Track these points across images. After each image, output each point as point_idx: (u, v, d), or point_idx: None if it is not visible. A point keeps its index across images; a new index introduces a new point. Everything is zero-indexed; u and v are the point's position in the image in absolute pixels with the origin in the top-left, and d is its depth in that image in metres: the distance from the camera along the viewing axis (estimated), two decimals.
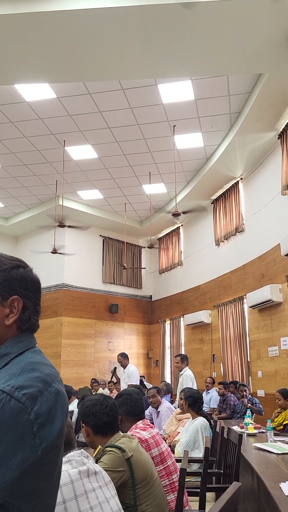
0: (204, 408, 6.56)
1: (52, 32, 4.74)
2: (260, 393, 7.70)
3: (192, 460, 3.52)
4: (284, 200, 7.23)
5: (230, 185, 9.28)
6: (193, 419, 3.99)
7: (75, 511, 1.42)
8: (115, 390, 8.80)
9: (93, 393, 7.81)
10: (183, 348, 11.00)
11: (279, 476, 2.38)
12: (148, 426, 2.56)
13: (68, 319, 10.86)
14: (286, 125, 7.02)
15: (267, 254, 7.82)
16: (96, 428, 2.08)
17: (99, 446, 2.01)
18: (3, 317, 1.01)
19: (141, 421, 2.57)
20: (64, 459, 1.53)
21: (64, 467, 1.49)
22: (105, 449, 1.98)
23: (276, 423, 5.12)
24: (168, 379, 11.25)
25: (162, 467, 2.46)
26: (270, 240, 7.61)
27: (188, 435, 3.78)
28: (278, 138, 7.35)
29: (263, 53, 5.09)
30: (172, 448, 3.92)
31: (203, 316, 9.93)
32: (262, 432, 4.29)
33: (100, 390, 9.21)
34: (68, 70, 5.41)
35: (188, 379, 5.96)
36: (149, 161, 8.59)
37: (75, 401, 5.60)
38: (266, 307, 7.68)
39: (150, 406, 5.53)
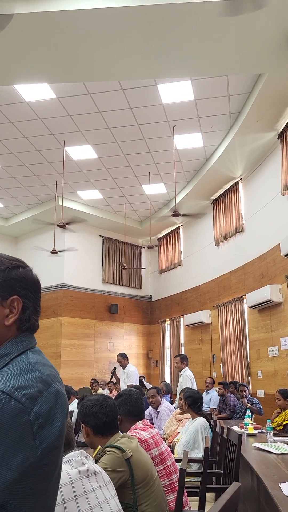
0: (204, 408, 6.58)
1: (52, 32, 4.74)
2: (260, 393, 7.70)
3: (192, 460, 3.52)
4: (284, 200, 7.24)
5: (230, 185, 9.29)
6: (192, 419, 3.99)
7: (74, 511, 1.42)
8: (115, 390, 8.80)
9: (93, 393, 7.81)
10: (183, 348, 11.00)
11: (279, 476, 2.38)
12: (147, 427, 2.56)
13: (67, 319, 10.86)
14: (286, 125, 7.02)
15: (267, 254, 7.82)
16: (96, 428, 2.08)
17: (99, 447, 2.01)
18: (2, 318, 1.01)
19: (140, 421, 2.57)
20: (64, 459, 1.53)
21: (64, 467, 1.49)
22: (105, 449, 1.98)
23: (276, 423, 5.12)
24: (168, 379, 11.25)
25: (161, 467, 2.46)
26: (270, 240, 7.61)
27: (188, 435, 3.78)
28: (278, 138, 7.35)
29: (263, 53, 5.09)
30: (171, 448, 3.92)
31: (203, 316, 9.93)
32: (262, 432, 4.29)
33: (100, 390, 9.20)
34: (68, 70, 5.41)
35: (187, 379, 5.96)
36: (149, 161, 8.59)
37: (75, 401, 5.59)
38: (266, 307, 7.68)
39: (150, 406, 5.53)
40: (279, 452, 3.08)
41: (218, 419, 5.59)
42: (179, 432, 4.47)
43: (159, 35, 4.80)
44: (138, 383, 7.30)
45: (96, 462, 1.89)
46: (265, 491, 2.23)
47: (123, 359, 7.38)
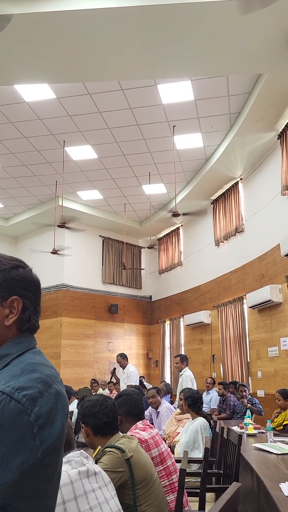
0: (204, 409, 6.58)
1: (52, 32, 4.74)
2: (260, 393, 7.70)
3: (192, 461, 3.52)
4: (283, 200, 7.24)
5: (230, 185, 9.29)
6: (192, 419, 3.99)
7: (74, 511, 1.42)
8: (115, 390, 8.80)
9: (93, 394, 7.82)
10: (182, 348, 11.00)
11: (279, 476, 2.38)
12: (147, 427, 2.55)
13: (67, 319, 10.86)
14: (285, 126, 7.02)
15: (266, 254, 7.82)
16: (96, 428, 2.08)
17: (99, 447, 2.01)
18: (2, 318, 1.01)
19: (140, 421, 2.57)
20: (64, 459, 1.53)
21: (64, 467, 1.49)
22: (105, 449, 1.98)
23: (276, 423, 5.12)
24: (168, 379, 11.25)
25: (161, 468, 2.46)
26: (269, 241, 7.61)
27: (188, 435, 3.78)
28: (277, 139, 7.35)
29: (263, 53, 5.09)
30: (171, 448, 3.92)
31: (203, 316, 9.93)
32: (262, 433, 4.28)
33: (100, 391, 9.21)
34: (68, 70, 5.41)
35: (187, 379, 5.96)
36: (148, 161, 8.59)
37: (75, 402, 5.60)
38: (266, 308, 7.68)
39: (150, 407, 5.53)
40: (279, 452, 3.08)
41: (218, 419, 5.59)
42: (179, 432, 4.46)
43: (159, 35, 4.80)
44: (137, 383, 7.30)
45: (96, 463, 1.89)
46: (265, 491, 2.22)
47: (122, 359, 7.38)
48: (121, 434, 2.17)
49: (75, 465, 1.54)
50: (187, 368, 6.18)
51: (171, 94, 6.51)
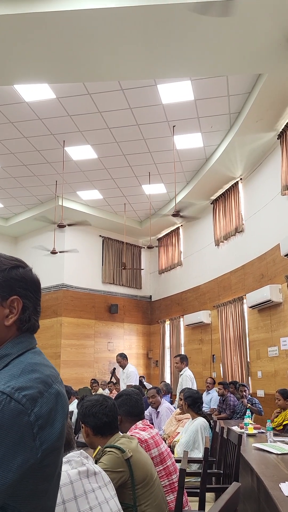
0: (204, 409, 6.58)
1: (52, 32, 4.74)
2: (260, 393, 7.70)
3: (192, 461, 3.52)
4: (283, 200, 7.24)
5: (230, 185, 9.29)
6: (192, 419, 3.98)
7: (74, 511, 1.42)
8: (114, 390, 8.80)
9: (93, 394, 7.82)
10: (182, 348, 11.00)
11: (279, 476, 2.38)
12: (147, 427, 2.55)
13: (67, 319, 10.86)
14: (285, 125, 7.02)
15: (266, 254, 7.82)
16: (96, 428, 2.08)
17: (99, 447, 2.01)
18: (2, 318, 1.00)
19: (140, 421, 2.57)
20: (64, 459, 1.53)
21: (64, 467, 1.49)
22: (105, 449, 1.98)
23: (276, 423, 5.12)
24: (167, 379, 11.25)
25: (161, 468, 2.46)
26: (269, 240, 7.61)
27: (188, 435, 3.78)
28: (277, 138, 7.35)
29: (263, 53, 5.09)
30: (171, 448, 3.92)
31: (203, 316, 9.93)
32: (262, 433, 4.28)
33: (100, 391, 9.21)
34: (68, 70, 5.41)
35: (187, 379, 5.96)
36: (148, 161, 8.59)
37: (75, 402, 5.60)
38: (265, 308, 7.68)
39: (150, 407, 5.53)
40: (279, 452, 3.08)
41: (218, 419, 5.59)
42: (179, 432, 4.47)
43: (159, 35, 4.80)
44: (137, 383, 7.30)
45: (96, 463, 1.89)
46: (265, 491, 2.22)
47: (122, 359, 7.37)
48: (121, 434, 2.17)
49: (75, 465, 1.54)
50: (187, 368, 6.18)
51: (171, 94, 6.51)
